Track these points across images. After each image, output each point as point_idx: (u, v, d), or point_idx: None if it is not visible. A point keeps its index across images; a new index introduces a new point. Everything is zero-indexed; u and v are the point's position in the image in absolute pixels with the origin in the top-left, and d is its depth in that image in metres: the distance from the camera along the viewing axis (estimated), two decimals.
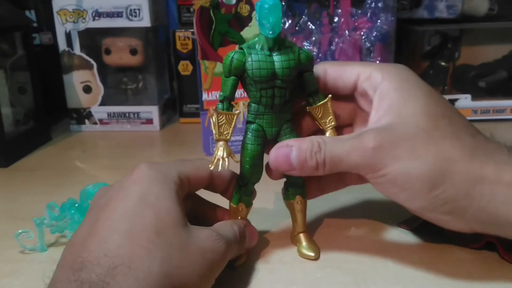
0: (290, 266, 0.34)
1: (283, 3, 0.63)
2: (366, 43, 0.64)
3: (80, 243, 0.26)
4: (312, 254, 0.35)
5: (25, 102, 0.65)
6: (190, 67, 0.73)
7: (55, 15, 0.68)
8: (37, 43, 0.76)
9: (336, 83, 0.34)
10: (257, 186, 0.35)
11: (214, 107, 0.32)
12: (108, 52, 0.71)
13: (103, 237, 0.25)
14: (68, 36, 0.69)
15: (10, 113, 0.62)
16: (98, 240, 0.25)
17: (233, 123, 0.31)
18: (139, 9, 0.68)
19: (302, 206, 0.36)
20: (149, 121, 0.73)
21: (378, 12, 0.63)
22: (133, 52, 0.71)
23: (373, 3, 0.63)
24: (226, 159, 0.31)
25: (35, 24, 0.76)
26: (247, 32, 0.55)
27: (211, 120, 0.31)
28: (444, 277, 0.32)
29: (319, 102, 0.34)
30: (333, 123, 0.34)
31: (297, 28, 0.64)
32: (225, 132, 0.31)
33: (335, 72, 0.34)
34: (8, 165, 0.57)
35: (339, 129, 0.35)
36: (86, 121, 0.73)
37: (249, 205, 0.35)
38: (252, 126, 0.33)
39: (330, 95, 0.34)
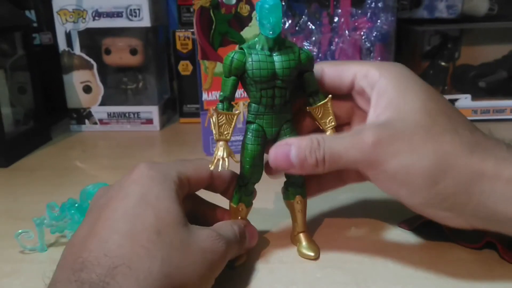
0: (290, 266, 0.34)
1: (283, 3, 0.63)
2: (366, 43, 0.64)
3: (80, 243, 0.26)
4: (312, 254, 0.35)
5: (25, 102, 0.65)
6: (190, 67, 0.73)
7: (55, 15, 0.68)
8: (37, 43, 0.76)
9: (334, 82, 0.34)
10: (257, 186, 0.35)
11: (214, 107, 0.32)
12: (108, 52, 0.71)
13: (103, 237, 0.25)
14: (68, 36, 0.69)
15: (10, 113, 0.62)
16: (98, 240, 0.25)
17: (233, 123, 0.31)
18: (139, 9, 0.68)
19: (302, 206, 0.36)
20: (149, 121, 0.73)
21: (378, 12, 0.63)
22: (133, 52, 0.71)
23: (373, 3, 0.63)
24: (226, 159, 0.31)
25: (35, 24, 0.76)
26: (247, 32, 0.55)
27: (211, 120, 0.31)
28: (444, 277, 0.32)
29: (319, 102, 0.34)
30: (333, 123, 0.34)
31: (297, 28, 0.64)
32: (225, 132, 0.31)
33: (332, 72, 0.34)
34: (8, 165, 0.57)
35: (337, 129, 0.35)
36: (86, 121, 0.73)
37: (249, 205, 0.35)
38: (252, 126, 0.33)
39: (330, 95, 0.34)
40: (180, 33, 0.72)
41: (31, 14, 0.76)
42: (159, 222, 0.26)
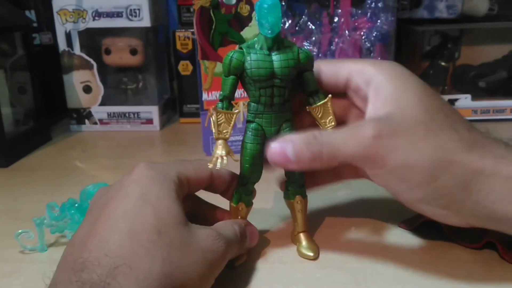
0: (290, 266, 0.34)
1: (283, 3, 0.63)
2: (366, 43, 0.64)
3: (81, 243, 0.26)
4: (311, 254, 0.35)
5: (25, 102, 0.65)
6: (190, 67, 0.73)
7: (55, 15, 0.68)
8: (37, 43, 0.76)
9: (330, 80, 0.34)
10: (257, 186, 0.35)
11: (213, 106, 0.32)
12: (108, 52, 0.71)
13: (104, 237, 0.25)
14: (68, 36, 0.69)
15: (10, 113, 0.62)
16: (99, 240, 0.25)
17: (232, 122, 0.32)
18: (139, 9, 0.68)
19: (302, 206, 0.36)
20: (149, 121, 0.73)
21: (378, 12, 0.63)
22: (133, 52, 0.71)
23: (373, 3, 0.63)
24: (225, 157, 0.31)
25: (35, 24, 0.76)
26: (247, 32, 0.55)
27: (211, 119, 0.31)
28: (444, 277, 0.32)
29: (319, 102, 0.34)
30: (333, 123, 0.34)
31: (297, 28, 0.64)
32: (224, 131, 0.31)
33: (328, 70, 0.34)
34: (8, 165, 0.57)
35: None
36: (86, 121, 0.73)
37: (249, 204, 0.35)
38: (252, 125, 0.33)
39: (330, 95, 0.34)
40: (180, 33, 0.72)
41: (31, 14, 0.76)
42: (159, 222, 0.26)
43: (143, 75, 0.74)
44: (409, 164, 0.29)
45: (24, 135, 0.62)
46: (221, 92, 0.32)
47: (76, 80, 0.71)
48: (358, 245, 0.36)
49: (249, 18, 0.55)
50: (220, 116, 0.31)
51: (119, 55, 0.71)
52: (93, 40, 0.70)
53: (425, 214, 0.32)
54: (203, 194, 0.35)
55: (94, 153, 0.64)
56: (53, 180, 0.53)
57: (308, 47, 0.64)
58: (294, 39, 0.64)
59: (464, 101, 0.71)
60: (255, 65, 0.31)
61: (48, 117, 0.68)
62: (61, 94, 0.72)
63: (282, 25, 0.31)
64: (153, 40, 0.72)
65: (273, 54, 0.31)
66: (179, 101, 0.76)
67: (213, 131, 0.31)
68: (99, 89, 0.72)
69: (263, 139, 0.33)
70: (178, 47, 0.73)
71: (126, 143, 0.67)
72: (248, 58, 0.31)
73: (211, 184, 0.34)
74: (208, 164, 0.31)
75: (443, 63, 0.74)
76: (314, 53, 0.65)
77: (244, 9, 0.55)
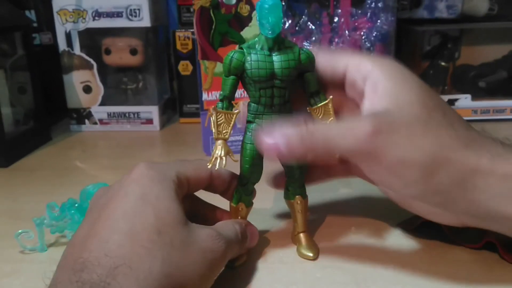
0: (290, 266, 0.34)
1: (283, 3, 0.63)
2: (366, 43, 0.64)
3: (81, 243, 0.26)
4: (311, 254, 0.35)
5: (25, 102, 0.65)
6: (190, 67, 0.73)
7: (55, 15, 0.68)
8: (37, 43, 0.76)
9: (326, 71, 0.34)
10: (257, 186, 0.35)
11: (213, 106, 0.32)
12: (108, 52, 0.71)
13: (104, 237, 0.25)
14: (68, 36, 0.69)
15: (10, 113, 0.62)
16: (99, 240, 0.25)
17: (232, 122, 0.32)
18: (139, 9, 0.68)
19: (302, 206, 0.36)
20: (149, 121, 0.73)
21: (378, 12, 0.63)
22: (133, 52, 0.71)
23: (373, 3, 0.63)
24: (224, 157, 0.31)
25: (35, 24, 0.76)
26: (247, 32, 0.55)
27: (211, 119, 0.31)
28: (444, 277, 0.32)
29: (320, 103, 0.34)
30: None
31: (297, 28, 0.64)
32: (223, 131, 0.31)
33: (325, 61, 0.34)
34: (8, 165, 0.57)
35: None
36: (86, 121, 0.73)
37: (249, 205, 0.35)
38: (252, 125, 0.33)
39: (331, 96, 0.34)
40: (180, 33, 0.72)
41: (31, 14, 0.76)
42: (159, 222, 0.26)
43: (143, 75, 0.74)
44: (406, 160, 0.29)
45: (24, 135, 0.62)
46: (221, 92, 0.32)
47: (76, 80, 0.71)
48: (358, 245, 0.36)
49: (249, 18, 0.55)
50: (220, 116, 0.31)
51: (119, 55, 0.71)
52: (93, 40, 0.70)
53: (418, 213, 0.32)
54: (203, 194, 0.35)
55: (94, 153, 0.64)
56: (53, 180, 0.53)
57: (308, 47, 0.64)
58: (294, 39, 0.64)
59: (464, 101, 0.71)
60: (255, 66, 0.31)
61: (48, 117, 0.68)
62: (61, 94, 0.72)
63: (282, 25, 0.31)
64: (153, 40, 0.72)
65: (273, 54, 0.31)
66: (179, 101, 0.76)
67: (213, 131, 0.31)
68: (99, 89, 0.72)
69: None
70: (178, 47, 0.73)
71: (126, 143, 0.67)
72: (249, 58, 0.31)
73: (211, 184, 0.34)
74: (207, 164, 0.31)
75: (443, 63, 0.75)
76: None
77: (244, 9, 0.55)
